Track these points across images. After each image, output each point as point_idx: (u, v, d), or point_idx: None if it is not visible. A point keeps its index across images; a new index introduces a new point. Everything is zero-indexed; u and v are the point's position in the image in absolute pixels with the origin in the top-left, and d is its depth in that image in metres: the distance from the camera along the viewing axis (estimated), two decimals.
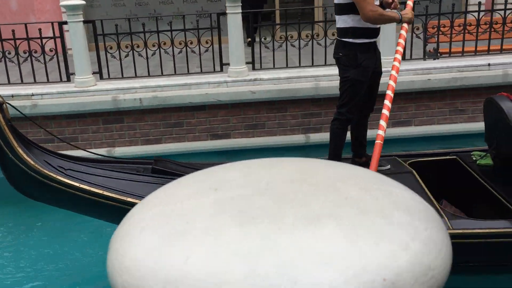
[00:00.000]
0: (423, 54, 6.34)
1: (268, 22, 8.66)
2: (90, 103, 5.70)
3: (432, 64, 6.07)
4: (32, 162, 3.21)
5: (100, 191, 3.25)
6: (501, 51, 6.24)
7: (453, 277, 2.97)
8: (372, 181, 1.29)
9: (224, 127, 6.01)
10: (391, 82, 3.20)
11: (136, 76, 6.10)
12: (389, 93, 3.16)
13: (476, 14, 6.06)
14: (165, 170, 3.59)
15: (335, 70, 5.97)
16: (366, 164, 3.90)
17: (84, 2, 5.82)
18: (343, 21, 3.56)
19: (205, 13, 9.26)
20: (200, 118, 5.97)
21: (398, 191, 1.26)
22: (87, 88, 5.80)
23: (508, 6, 6.10)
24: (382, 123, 3.07)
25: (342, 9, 3.55)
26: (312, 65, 6.14)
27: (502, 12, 6.11)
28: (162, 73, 6.12)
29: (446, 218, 3.03)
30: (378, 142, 3.08)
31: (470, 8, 6.43)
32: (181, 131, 5.99)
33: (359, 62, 3.56)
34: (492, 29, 6.13)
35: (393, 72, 3.25)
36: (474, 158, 3.96)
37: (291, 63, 6.26)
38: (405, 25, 3.49)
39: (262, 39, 6.33)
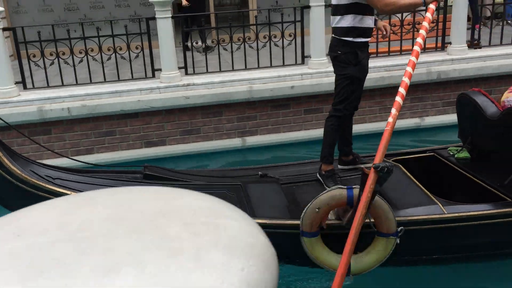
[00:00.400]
0: None
1: (205, 26, 8.59)
2: (13, 115, 5.40)
3: None
4: (18, 172, 3.07)
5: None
6: (424, 49, 6.53)
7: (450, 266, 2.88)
8: (203, 213, 1.21)
9: (159, 134, 5.89)
10: (409, 69, 2.99)
11: (63, 85, 5.86)
12: (406, 80, 2.96)
13: (399, 15, 6.31)
14: (158, 175, 3.54)
15: (268, 73, 6.16)
16: (353, 162, 4.02)
17: (2, 9, 5.52)
18: (344, 21, 3.60)
19: (138, 17, 9.09)
20: (134, 125, 5.82)
21: (228, 223, 1.18)
22: (9, 99, 5.50)
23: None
24: (393, 111, 2.89)
25: (343, 9, 3.59)
26: (246, 69, 6.16)
27: (423, 13, 6.40)
28: (91, 81, 5.91)
29: (439, 204, 3.17)
30: (387, 129, 2.88)
31: None
32: (114, 140, 5.81)
33: (359, 59, 3.64)
34: (415, 29, 6.40)
35: (413, 58, 3.01)
36: (451, 153, 4.14)
37: (226, 67, 6.24)
38: (432, 6, 3.24)
39: (194, 44, 6.26)
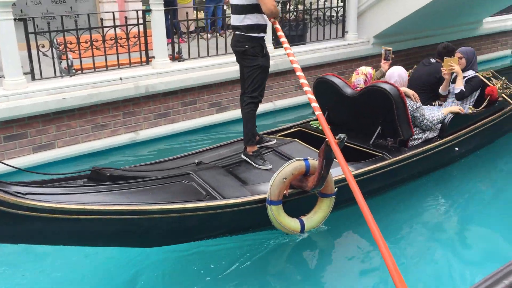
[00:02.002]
0: (59, 72, 6.08)
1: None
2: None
3: (64, 83, 5.85)
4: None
5: (81, 207, 2.94)
6: (130, 64, 6.55)
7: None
8: None
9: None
10: (295, 65, 4.04)
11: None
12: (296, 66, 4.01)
13: (101, 30, 6.16)
14: (115, 175, 3.65)
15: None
16: (260, 141, 4.56)
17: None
18: (248, 19, 4.11)
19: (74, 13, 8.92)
20: None
21: None
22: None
23: (130, 22, 6.47)
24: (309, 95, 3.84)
25: (247, 9, 4.10)
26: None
27: (125, 28, 6.42)
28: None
29: None
30: (319, 113, 3.68)
31: (106, 24, 6.49)
32: None
33: (264, 51, 4.26)
34: (119, 44, 6.36)
35: (289, 51, 4.08)
36: (314, 126, 5.10)
37: None
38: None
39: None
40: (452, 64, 5.27)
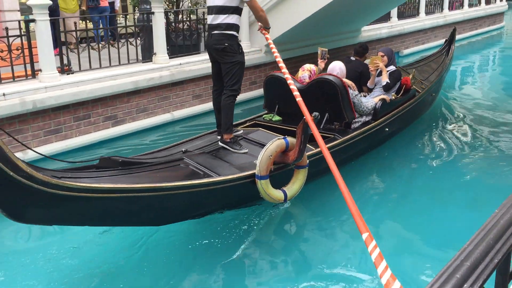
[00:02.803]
0: None
1: None
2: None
3: None
4: (40, 175, 3.01)
5: (111, 186, 3.39)
6: (14, 79, 6.06)
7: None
8: None
9: None
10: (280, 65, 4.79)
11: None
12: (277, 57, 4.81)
13: (6, 40, 5.64)
14: (129, 161, 4.15)
15: None
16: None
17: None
18: (230, 19, 4.63)
19: None
20: None
21: None
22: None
23: (12, 33, 5.97)
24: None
25: (230, 10, 4.62)
26: None
27: (6, 40, 5.92)
28: None
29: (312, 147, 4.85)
30: (299, 99, 4.23)
31: None
32: None
33: (240, 49, 4.76)
34: (0, 58, 5.85)
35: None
36: (267, 119, 5.82)
37: None
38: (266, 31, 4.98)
39: None
40: (377, 62, 6.19)
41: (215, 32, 4.66)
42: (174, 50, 8.00)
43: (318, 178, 5.01)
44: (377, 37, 12.86)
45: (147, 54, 7.67)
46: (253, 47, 9.06)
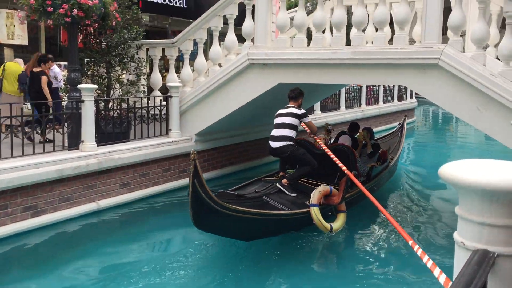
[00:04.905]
0: None
1: None
2: None
3: None
4: (220, 201, 5.31)
5: (256, 210, 5.93)
6: None
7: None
8: None
9: None
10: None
11: None
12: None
13: None
14: (239, 194, 6.68)
15: None
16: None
17: None
18: (292, 133, 6.97)
19: None
20: None
21: None
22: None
23: None
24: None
25: (294, 127, 6.99)
26: None
27: None
28: None
29: (333, 186, 6.92)
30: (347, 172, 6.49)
31: None
32: None
33: (300, 149, 7.07)
34: None
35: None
36: (291, 172, 7.23)
37: None
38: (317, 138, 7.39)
39: None
40: (365, 137, 8.89)
41: (280, 145, 6.87)
42: (103, 137, 7.87)
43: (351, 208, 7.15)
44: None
45: (74, 141, 7.47)
46: (184, 135, 9.14)
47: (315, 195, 6.30)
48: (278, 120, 7.03)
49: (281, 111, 7.17)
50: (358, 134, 9.03)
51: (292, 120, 6.94)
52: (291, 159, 7.11)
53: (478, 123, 6.52)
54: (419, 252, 3.83)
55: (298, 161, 7.13)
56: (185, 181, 9.04)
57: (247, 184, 7.17)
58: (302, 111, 7.14)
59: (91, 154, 7.30)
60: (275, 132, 7.00)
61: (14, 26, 11.34)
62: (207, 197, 5.03)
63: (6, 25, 11.23)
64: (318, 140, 7.20)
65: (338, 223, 6.54)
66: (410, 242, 4.07)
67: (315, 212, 6.15)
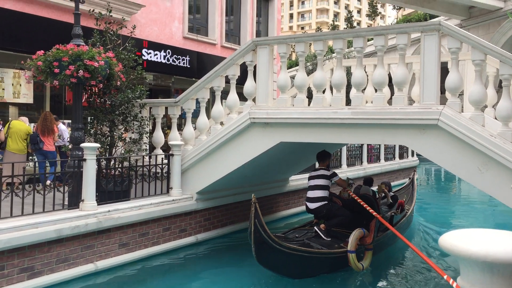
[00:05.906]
0: None
1: None
2: None
3: None
4: (278, 240, 6.64)
5: (304, 248, 7.21)
6: None
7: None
8: None
9: None
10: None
11: None
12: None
13: None
14: (288, 237, 7.93)
15: None
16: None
17: None
18: (326, 193, 8.10)
19: None
20: None
21: None
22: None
23: None
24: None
25: (327, 188, 8.13)
26: None
27: None
28: None
29: (365, 230, 7.98)
30: (376, 214, 7.77)
31: None
32: None
33: (334, 205, 8.21)
34: None
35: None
36: (321, 223, 8.21)
37: None
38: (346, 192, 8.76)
39: None
40: (384, 189, 10.21)
41: (316, 206, 7.99)
42: (103, 196, 7.83)
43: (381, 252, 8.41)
44: (304, 186, 13.38)
45: (74, 200, 7.43)
46: (185, 194, 9.09)
47: (353, 242, 7.33)
48: (311, 183, 8.13)
49: (312, 173, 8.34)
50: (377, 187, 10.43)
51: (323, 182, 8.07)
52: (327, 215, 8.15)
53: (479, 184, 6.50)
54: (454, 285, 4.35)
55: (333, 216, 8.12)
56: (185, 240, 8.94)
57: (286, 232, 8.43)
58: (331, 171, 8.27)
59: (91, 213, 7.24)
60: (310, 194, 8.11)
61: (20, 85, 11.62)
62: (266, 235, 6.36)
63: (12, 84, 11.51)
64: (349, 192, 8.57)
65: (367, 261, 7.68)
66: (445, 277, 4.94)
67: (353, 257, 7.28)
